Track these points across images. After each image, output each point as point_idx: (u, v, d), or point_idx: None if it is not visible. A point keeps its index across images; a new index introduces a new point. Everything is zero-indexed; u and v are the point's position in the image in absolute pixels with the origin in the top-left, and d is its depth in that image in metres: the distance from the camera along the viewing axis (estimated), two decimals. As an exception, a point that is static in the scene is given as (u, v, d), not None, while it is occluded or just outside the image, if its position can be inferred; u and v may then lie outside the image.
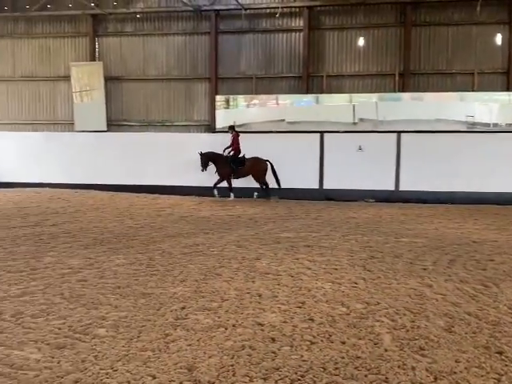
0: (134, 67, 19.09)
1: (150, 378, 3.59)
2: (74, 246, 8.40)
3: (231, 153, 15.95)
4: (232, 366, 3.81)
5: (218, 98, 18.14)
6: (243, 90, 18.36)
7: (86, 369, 3.72)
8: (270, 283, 6.14)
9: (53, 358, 3.91)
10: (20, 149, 18.58)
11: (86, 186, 17.71)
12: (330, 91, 17.72)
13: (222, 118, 18.04)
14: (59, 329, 4.53)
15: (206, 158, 15.89)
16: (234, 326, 4.66)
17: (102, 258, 7.45)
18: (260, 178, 16.16)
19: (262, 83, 18.35)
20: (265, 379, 3.63)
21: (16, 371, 3.67)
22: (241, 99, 18.09)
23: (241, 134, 16.00)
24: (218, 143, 16.16)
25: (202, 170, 15.86)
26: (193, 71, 18.83)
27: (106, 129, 18.85)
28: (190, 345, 4.20)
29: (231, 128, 16.19)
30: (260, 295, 5.63)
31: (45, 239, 8.98)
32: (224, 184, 16.15)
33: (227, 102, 18.14)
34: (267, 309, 5.16)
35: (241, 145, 16.03)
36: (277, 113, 17.80)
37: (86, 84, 18.99)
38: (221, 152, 16.07)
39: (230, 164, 15.88)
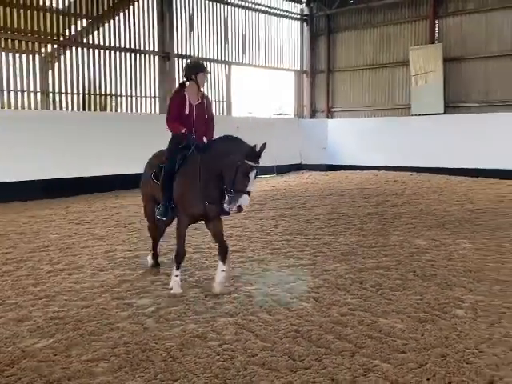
0: (475, 45, 18.16)
1: (519, 366, 3.50)
2: (418, 226, 8.65)
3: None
4: None
5: None
6: None
7: (450, 345, 3.84)
8: None
9: (416, 330, 4.16)
10: (360, 134, 19.84)
11: (421, 169, 17.84)
12: None
13: None
14: (417, 304, 4.78)
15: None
16: None
17: (448, 241, 7.48)
18: None
19: None
20: None
21: (385, 337, 4.04)
22: None
23: None
24: None
25: None
26: (543, 43, 16.93)
27: (442, 111, 18.56)
28: (559, 341, 3.92)
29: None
30: None
31: (388, 219, 9.49)
32: None
33: None
34: None
35: None
36: None
37: (422, 67, 18.98)
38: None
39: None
